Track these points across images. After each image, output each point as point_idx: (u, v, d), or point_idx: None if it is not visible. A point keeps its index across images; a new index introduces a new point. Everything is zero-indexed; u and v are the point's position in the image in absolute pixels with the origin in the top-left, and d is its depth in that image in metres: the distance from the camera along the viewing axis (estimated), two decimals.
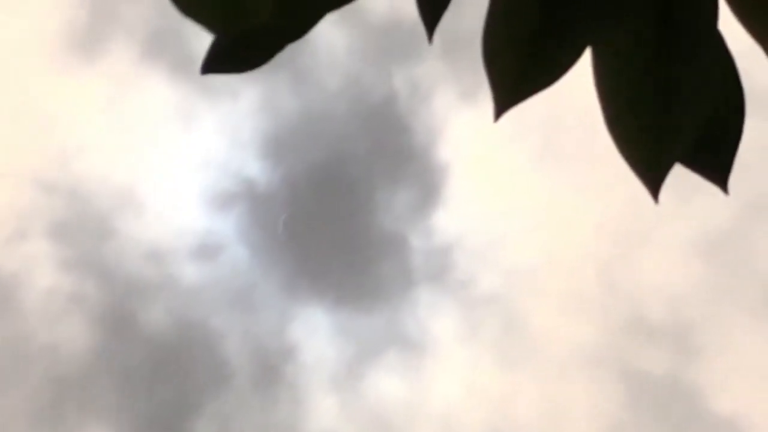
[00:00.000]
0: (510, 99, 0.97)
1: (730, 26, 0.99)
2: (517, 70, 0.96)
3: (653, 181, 0.96)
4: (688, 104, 0.95)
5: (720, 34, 0.99)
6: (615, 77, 0.96)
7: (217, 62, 1.02)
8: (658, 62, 0.96)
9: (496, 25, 0.97)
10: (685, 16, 0.95)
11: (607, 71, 0.97)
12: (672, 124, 0.96)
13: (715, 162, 1.00)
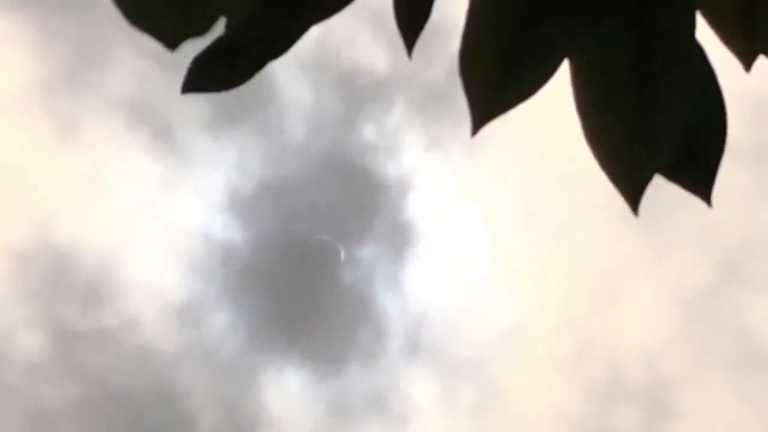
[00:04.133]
0: (487, 113, 0.96)
1: (712, 39, 0.98)
2: (493, 83, 0.96)
3: (633, 194, 0.95)
4: (666, 115, 0.94)
5: (699, 45, 0.98)
6: (593, 89, 0.96)
7: (197, 81, 1.03)
8: (636, 73, 0.95)
9: (472, 38, 0.96)
10: (662, 27, 0.94)
11: (584, 83, 0.96)
12: (651, 136, 0.95)
13: (698, 174, 0.99)
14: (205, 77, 1.03)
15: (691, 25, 0.94)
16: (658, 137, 0.95)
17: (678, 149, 0.99)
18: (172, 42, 0.89)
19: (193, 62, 1.03)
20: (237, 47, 1.02)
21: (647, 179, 0.95)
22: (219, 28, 0.95)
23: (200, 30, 0.86)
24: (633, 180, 0.95)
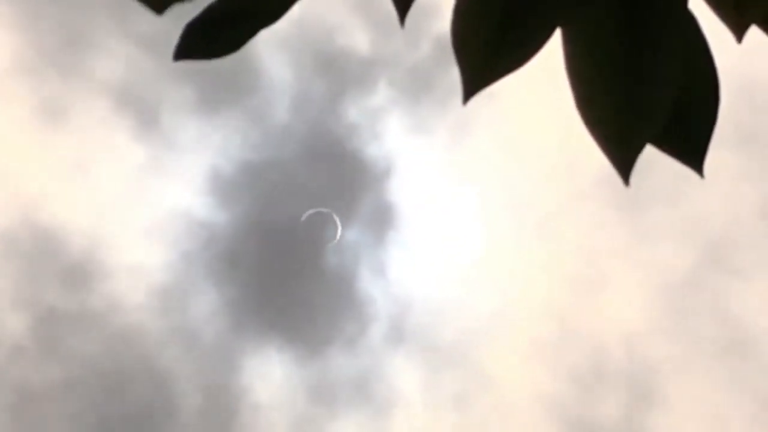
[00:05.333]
0: (478, 82, 0.96)
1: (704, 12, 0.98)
2: (485, 52, 0.96)
3: (623, 163, 0.96)
4: (657, 84, 0.94)
5: (692, 14, 0.98)
6: (584, 58, 0.96)
7: (189, 48, 1.02)
8: (627, 42, 0.95)
9: (464, 7, 0.96)
10: None
11: (576, 52, 0.96)
12: (642, 105, 0.95)
13: (690, 144, 0.99)
14: (196, 45, 1.02)
15: None
16: (649, 106, 0.95)
17: (670, 119, 0.99)
18: (159, 6, 0.88)
19: (185, 30, 1.02)
20: (229, 15, 1.02)
21: (639, 148, 0.95)
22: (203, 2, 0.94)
23: None
24: (624, 149, 0.95)
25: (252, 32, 1.03)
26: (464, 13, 0.97)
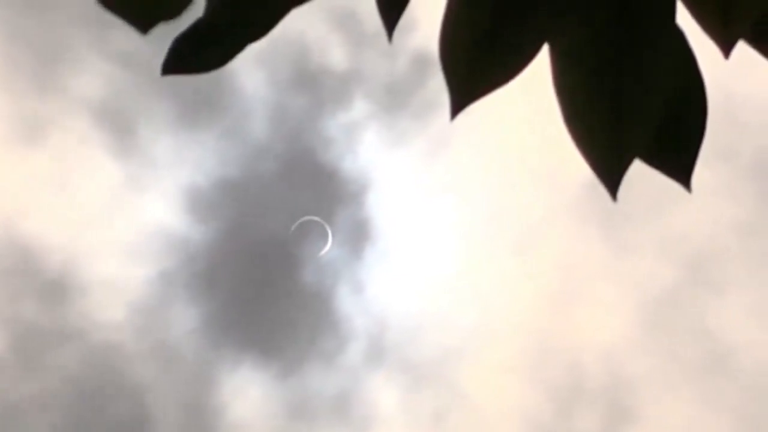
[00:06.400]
0: (466, 97, 0.96)
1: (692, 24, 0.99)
2: (473, 66, 0.96)
3: (611, 179, 0.96)
4: (646, 99, 0.95)
5: (680, 29, 0.99)
6: (571, 73, 0.96)
7: (177, 63, 1.02)
8: (614, 57, 0.95)
9: (451, 21, 0.97)
10: (642, 11, 0.95)
11: (563, 67, 0.96)
12: (630, 120, 0.95)
13: (678, 160, 1.00)
14: (184, 59, 1.02)
15: (672, 9, 0.94)
16: (637, 121, 0.95)
17: (658, 134, 0.99)
18: (144, 25, 0.88)
19: (172, 44, 1.02)
20: (217, 29, 1.02)
21: (627, 164, 0.96)
22: (192, 13, 0.94)
23: (173, 13, 0.86)
24: (612, 164, 0.96)
25: (240, 46, 1.03)
26: (451, 28, 0.97)
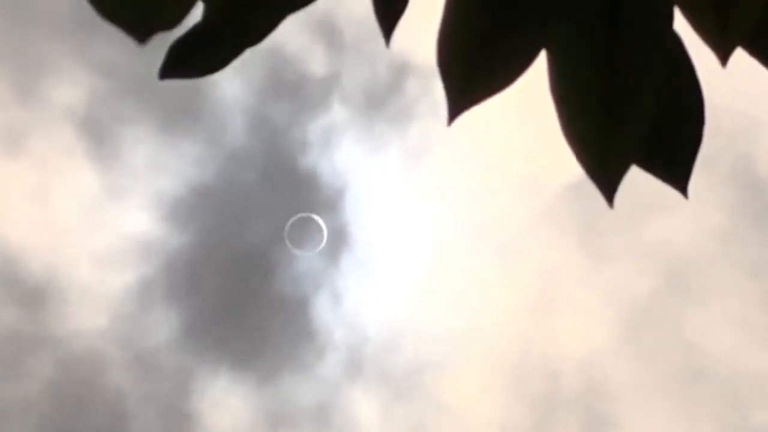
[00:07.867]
0: (464, 102, 0.97)
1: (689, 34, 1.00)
2: (470, 72, 0.97)
3: (608, 184, 0.96)
4: (642, 105, 0.95)
5: (677, 34, 1.00)
6: (568, 79, 0.97)
7: (175, 67, 1.02)
8: (610, 63, 0.96)
9: (449, 26, 0.97)
10: (638, 17, 0.95)
11: (560, 73, 0.97)
12: (627, 126, 0.96)
13: (674, 167, 1.00)
14: (182, 64, 1.02)
15: (669, 16, 0.95)
16: (633, 127, 0.96)
17: (655, 139, 1.00)
18: (142, 35, 0.88)
19: (170, 49, 1.02)
20: (214, 35, 1.02)
21: (623, 170, 0.96)
22: (189, 20, 0.94)
23: (172, 22, 0.86)
24: (609, 170, 0.96)
25: (238, 51, 1.03)
26: (449, 33, 0.98)
